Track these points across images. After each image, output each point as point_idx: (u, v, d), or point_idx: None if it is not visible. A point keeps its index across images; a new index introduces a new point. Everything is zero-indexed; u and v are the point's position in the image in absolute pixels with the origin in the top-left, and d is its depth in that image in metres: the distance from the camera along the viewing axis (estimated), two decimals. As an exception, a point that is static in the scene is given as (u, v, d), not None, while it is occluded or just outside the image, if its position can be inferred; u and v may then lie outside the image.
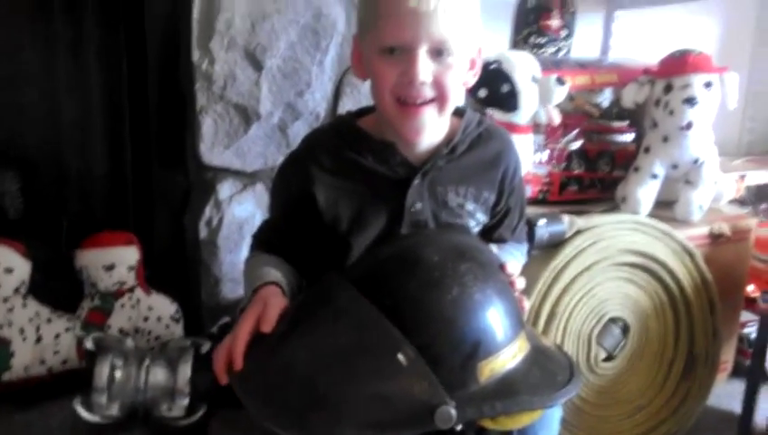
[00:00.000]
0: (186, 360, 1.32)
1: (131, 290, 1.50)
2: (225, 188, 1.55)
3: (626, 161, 1.76)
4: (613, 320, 1.57)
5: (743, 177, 2.01)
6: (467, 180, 1.03)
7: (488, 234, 1.10)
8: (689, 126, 1.64)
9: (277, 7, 1.45)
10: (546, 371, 0.89)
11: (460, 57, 0.94)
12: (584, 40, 2.03)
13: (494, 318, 0.85)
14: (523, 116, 1.60)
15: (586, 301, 1.52)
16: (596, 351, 1.56)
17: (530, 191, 1.69)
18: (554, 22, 1.97)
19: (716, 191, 1.75)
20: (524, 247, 1.19)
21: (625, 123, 1.82)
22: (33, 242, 1.47)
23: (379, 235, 0.99)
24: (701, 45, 1.79)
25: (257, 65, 1.48)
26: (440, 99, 0.94)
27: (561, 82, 1.58)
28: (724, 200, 1.83)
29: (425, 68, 0.91)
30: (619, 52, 2.02)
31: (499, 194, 1.07)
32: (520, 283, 0.96)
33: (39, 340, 1.42)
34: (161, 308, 1.51)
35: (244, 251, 1.48)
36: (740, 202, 1.99)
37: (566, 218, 1.51)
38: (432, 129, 0.97)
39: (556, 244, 1.49)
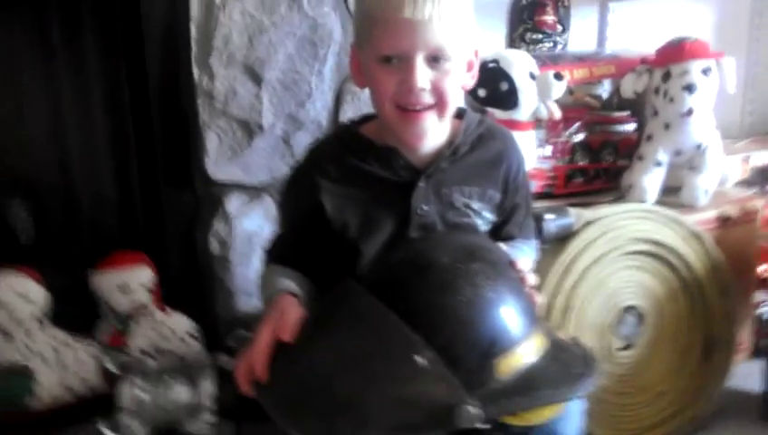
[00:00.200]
0: (207, 375, 1.33)
1: (148, 310, 1.51)
2: (232, 202, 1.56)
3: (629, 150, 1.77)
4: (628, 309, 1.58)
5: (747, 158, 2.01)
6: (471, 180, 1.04)
7: (497, 232, 1.11)
8: (690, 112, 1.64)
9: (273, 21, 1.46)
10: (565, 364, 0.89)
11: (457, 62, 0.95)
12: (580, 33, 2.04)
13: (508, 315, 0.86)
14: (523, 113, 1.60)
15: (599, 292, 1.52)
16: (613, 341, 1.57)
17: (535, 186, 1.69)
18: (549, 17, 1.98)
19: (722, 174, 1.75)
20: (534, 243, 1.20)
21: (626, 113, 1.82)
22: (46, 268, 1.48)
23: (388, 239, 1.01)
24: (697, 32, 1.80)
25: (257, 79, 1.49)
26: (440, 104, 0.95)
27: (558, 77, 1.58)
28: (730, 183, 1.83)
29: (423, 75, 0.92)
30: (616, 43, 2.02)
31: (504, 192, 1.08)
32: (531, 279, 0.97)
33: (61, 365, 1.43)
34: (179, 326, 1.52)
35: (256, 263, 1.49)
36: (746, 183, 1.99)
37: (573, 211, 1.52)
38: (433, 133, 0.99)
39: (565, 237, 1.50)
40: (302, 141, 1.55)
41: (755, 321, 1.89)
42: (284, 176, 1.37)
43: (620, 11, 2.02)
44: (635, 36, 2.02)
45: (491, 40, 1.92)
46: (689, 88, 1.64)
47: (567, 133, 1.73)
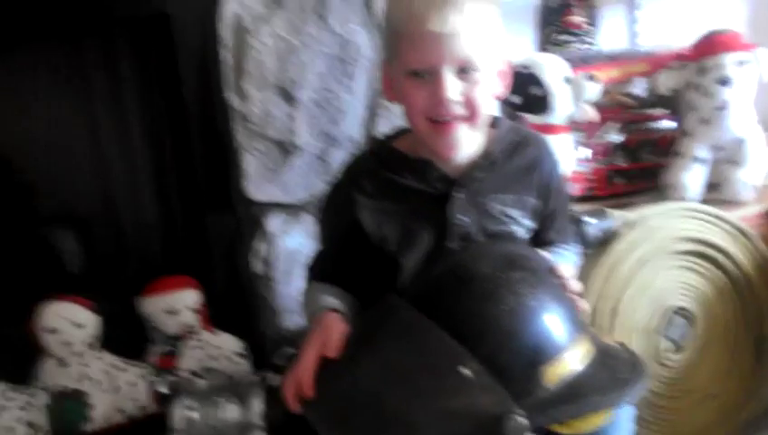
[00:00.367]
0: (256, 394, 1.34)
1: (196, 331, 1.53)
2: (273, 222, 1.58)
3: (668, 148, 1.74)
4: (677, 310, 1.55)
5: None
6: (507, 188, 1.04)
7: (537, 238, 1.10)
8: (726, 106, 1.62)
9: (303, 41, 1.48)
10: (612, 370, 0.89)
11: (487, 72, 0.95)
12: (610, 32, 2.02)
13: (552, 323, 0.86)
14: (558, 117, 1.60)
15: (645, 294, 1.50)
16: (663, 343, 1.54)
17: (576, 189, 1.68)
18: (577, 18, 1.96)
19: (767, 168, 1.72)
20: (575, 248, 1.19)
21: (663, 111, 1.80)
22: (96, 295, 1.52)
23: (428, 251, 1.01)
24: (730, 24, 1.77)
25: (290, 99, 1.51)
26: (471, 115, 0.96)
27: (592, 78, 1.58)
28: (777, 176, 1.79)
29: (453, 87, 0.93)
30: (647, 39, 2.00)
31: (541, 197, 1.07)
32: (574, 284, 0.97)
33: (115, 389, 1.47)
34: (227, 346, 1.54)
35: (298, 281, 1.51)
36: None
37: (615, 213, 1.50)
38: (467, 143, 0.99)
39: (607, 240, 1.48)
40: (338, 158, 1.56)
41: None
42: (322, 193, 1.39)
43: (649, 6, 2.00)
44: (666, 32, 1.99)
45: (520, 45, 1.92)
46: (724, 81, 1.61)
47: (604, 134, 1.71)
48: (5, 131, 1.58)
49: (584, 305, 0.99)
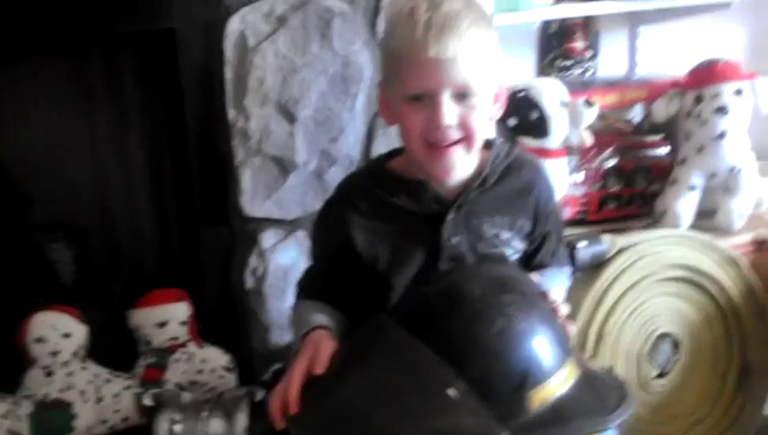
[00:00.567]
0: (242, 409, 1.34)
1: (184, 345, 1.53)
2: (267, 238, 1.59)
3: (662, 175, 1.76)
4: (663, 336, 1.56)
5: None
6: (501, 210, 1.04)
7: (529, 260, 1.11)
8: (723, 135, 1.63)
9: (305, 60, 1.50)
10: (597, 394, 0.89)
11: (483, 96, 0.96)
12: (610, 58, 2.04)
13: (541, 347, 0.87)
14: (554, 141, 1.61)
15: (634, 319, 1.51)
16: (648, 368, 1.55)
17: (568, 213, 1.69)
18: (578, 43, 1.98)
19: (757, 197, 1.73)
20: (567, 270, 1.20)
21: (658, 137, 1.81)
22: (87, 306, 1.52)
23: (419, 272, 1.01)
24: (729, 53, 1.79)
25: (290, 117, 1.52)
26: (467, 138, 0.96)
27: (589, 104, 1.59)
28: (766, 206, 1.81)
29: (450, 112, 0.94)
30: (647, 67, 2.02)
31: (534, 220, 1.08)
32: (564, 309, 0.97)
33: (99, 400, 1.46)
34: (214, 360, 1.54)
35: (290, 297, 1.51)
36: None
37: (606, 238, 1.51)
38: (462, 166, 1.00)
39: (598, 264, 1.49)
40: (336, 177, 1.57)
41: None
42: (318, 210, 1.39)
43: (650, 34, 2.02)
44: (665, 59, 2.01)
45: (520, 68, 1.94)
46: (722, 110, 1.63)
47: (599, 159, 1.72)
48: (6, 140, 1.58)
49: (572, 329, 0.99)
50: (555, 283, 1.11)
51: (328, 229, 1.07)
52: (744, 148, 1.68)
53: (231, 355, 1.56)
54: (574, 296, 1.38)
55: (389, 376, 0.85)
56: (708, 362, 1.61)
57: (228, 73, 1.48)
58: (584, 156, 1.71)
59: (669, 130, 1.80)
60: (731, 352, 1.62)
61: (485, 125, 0.99)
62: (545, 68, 1.96)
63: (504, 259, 1.05)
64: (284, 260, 1.59)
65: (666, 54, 2.03)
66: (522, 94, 1.61)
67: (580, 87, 1.75)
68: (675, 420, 1.59)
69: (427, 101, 0.94)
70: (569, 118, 1.61)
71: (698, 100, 1.67)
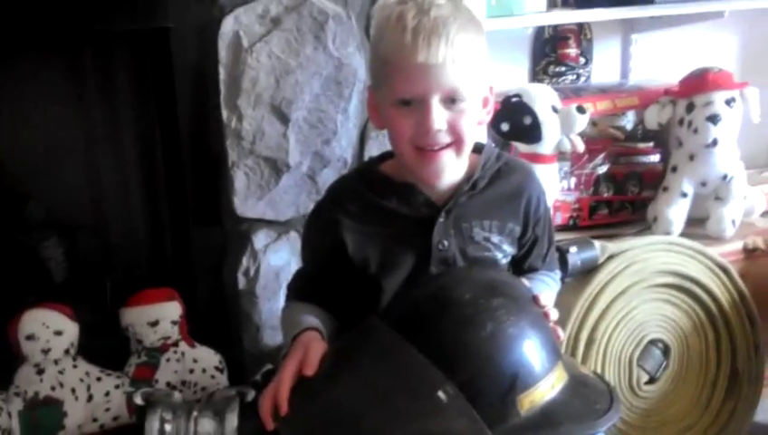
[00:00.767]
0: (232, 409, 1.34)
1: (176, 344, 1.53)
2: (260, 239, 1.59)
3: (654, 182, 1.77)
4: (653, 342, 1.57)
5: (773, 189, 1.99)
6: (491, 214, 1.05)
7: (519, 264, 1.12)
8: (714, 143, 1.65)
9: (299, 62, 1.50)
10: (586, 399, 0.90)
11: (472, 101, 0.97)
12: (603, 65, 2.05)
13: (530, 351, 0.87)
14: (546, 146, 1.62)
15: (624, 325, 1.52)
16: (638, 374, 1.55)
17: (560, 218, 1.70)
18: (572, 50, 1.99)
19: (747, 205, 1.74)
20: (557, 275, 1.20)
21: (650, 144, 1.82)
22: (79, 304, 1.52)
23: (409, 275, 1.02)
24: (721, 62, 1.80)
25: (284, 119, 1.52)
26: (457, 142, 0.97)
27: (581, 110, 1.60)
28: (757, 214, 1.82)
29: (439, 117, 0.94)
30: (639, 74, 2.03)
31: (524, 224, 1.08)
32: (553, 313, 0.98)
33: (90, 398, 1.46)
34: (206, 360, 1.54)
35: (282, 298, 1.51)
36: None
37: (597, 244, 1.52)
38: (451, 170, 1.00)
39: (589, 270, 1.50)
40: (328, 178, 1.57)
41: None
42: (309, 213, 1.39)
43: (643, 42, 2.03)
44: (658, 67, 2.03)
45: (514, 74, 1.94)
46: (713, 119, 1.64)
47: (591, 165, 1.74)
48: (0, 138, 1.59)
49: (561, 334, 1.00)
50: (545, 287, 1.12)
51: (318, 231, 1.07)
52: (735, 156, 1.70)
53: (222, 355, 1.56)
54: (565, 301, 1.39)
55: (379, 378, 0.86)
56: (698, 369, 1.62)
57: (222, 74, 1.48)
58: (576, 162, 1.72)
59: (661, 137, 1.81)
60: (720, 359, 1.63)
61: (475, 129, 0.99)
62: (539, 74, 1.97)
63: (494, 263, 1.06)
64: (277, 261, 1.59)
65: (658, 62, 2.04)
66: (515, 100, 1.62)
67: (573, 93, 1.77)
68: (664, 427, 1.60)
69: (416, 105, 0.95)
70: (561, 124, 1.62)
71: (690, 108, 1.69)
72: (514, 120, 1.61)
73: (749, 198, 1.75)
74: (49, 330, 1.44)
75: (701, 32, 2.00)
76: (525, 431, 0.83)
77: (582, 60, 2.01)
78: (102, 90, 1.62)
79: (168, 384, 1.51)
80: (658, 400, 1.58)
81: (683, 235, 1.65)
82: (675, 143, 1.74)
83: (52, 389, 1.44)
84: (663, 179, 1.74)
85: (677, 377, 1.60)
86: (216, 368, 1.54)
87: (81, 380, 1.47)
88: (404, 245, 1.02)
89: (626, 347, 1.53)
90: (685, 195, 1.69)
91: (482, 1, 1.57)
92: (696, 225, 1.71)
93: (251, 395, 1.36)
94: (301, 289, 1.10)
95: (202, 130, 1.53)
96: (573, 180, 1.72)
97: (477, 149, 1.05)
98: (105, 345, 1.54)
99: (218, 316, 1.62)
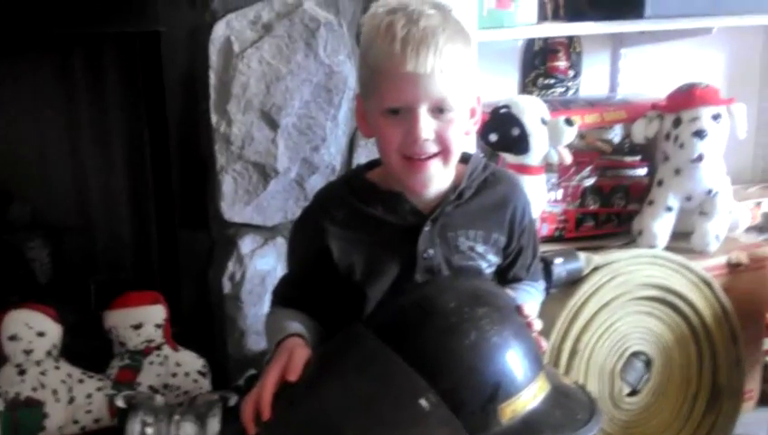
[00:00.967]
0: (214, 414, 1.34)
1: (159, 347, 1.53)
2: (246, 243, 1.59)
3: (640, 195, 1.78)
4: (635, 354, 1.58)
5: (758, 204, 2.01)
6: (476, 223, 1.05)
7: (504, 274, 1.12)
8: (700, 158, 1.66)
9: (290, 69, 1.50)
10: (567, 409, 0.90)
11: (460, 111, 0.97)
12: (592, 78, 2.06)
13: (513, 360, 0.87)
14: (534, 158, 1.63)
15: (607, 337, 1.53)
16: (620, 386, 1.56)
17: (546, 230, 1.71)
18: (561, 63, 2.00)
19: (732, 220, 1.76)
20: (541, 285, 1.20)
21: (637, 158, 1.84)
22: (62, 305, 1.51)
23: (394, 283, 1.02)
24: (708, 78, 1.82)
25: (273, 124, 1.53)
26: (444, 152, 0.97)
27: (569, 123, 1.61)
28: (741, 229, 1.83)
29: (427, 126, 0.94)
30: (628, 88, 2.05)
31: (509, 235, 1.09)
32: (537, 324, 0.98)
33: (72, 400, 1.46)
34: (189, 364, 1.54)
35: (267, 304, 1.51)
36: (757, 229, 1.99)
37: (582, 255, 1.53)
38: (438, 179, 1.00)
39: (574, 281, 1.50)
40: (317, 185, 1.57)
41: (764, 368, 1.88)
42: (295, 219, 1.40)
43: (632, 56, 2.05)
44: (646, 82, 2.04)
45: (504, 85, 1.95)
46: (700, 134, 1.65)
47: (578, 177, 1.74)
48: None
49: (545, 345, 1.00)
50: (529, 297, 1.12)
51: (304, 238, 1.07)
52: (721, 171, 1.71)
53: (206, 359, 1.56)
54: (549, 312, 1.39)
55: (362, 385, 0.86)
56: (679, 382, 1.63)
57: (212, 78, 1.48)
58: (564, 174, 1.73)
59: (648, 151, 1.83)
60: (702, 373, 1.64)
61: (462, 139, 1.00)
62: (528, 86, 1.98)
63: (479, 272, 1.06)
64: (263, 266, 1.59)
65: (646, 77, 2.06)
66: (504, 111, 1.63)
67: (561, 106, 1.78)
68: (646, 439, 1.61)
69: (404, 114, 0.95)
70: (549, 136, 1.63)
71: (677, 123, 1.70)
72: (503, 131, 1.62)
73: (734, 213, 1.76)
74: (32, 331, 1.43)
75: (689, 47, 2.02)
76: (506, 440, 0.84)
77: (571, 73, 2.02)
78: (92, 91, 1.62)
79: (151, 388, 1.50)
80: (640, 412, 1.59)
81: (668, 248, 1.66)
82: (661, 157, 1.75)
83: (34, 390, 1.43)
84: (648, 193, 1.75)
85: (659, 390, 1.61)
86: (199, 372, 1.54)
87: (63, 381, 1.46)
88: (389, 253, 1.02)
89: (608, 359, 1.54)
90: (670, 209, 1.70)
91: (473, 13, 1.58)
92: (681, 239, 1.72)
93: (233, 400, 1.36)
94: (286, 295, 1.10)
95: (191, 133, 1.53)
96: (560, 192, 1.73)
97: (464, 159, 1.06)
98: (88, 347, 1.53)
99: (203, 320, 1.61)
